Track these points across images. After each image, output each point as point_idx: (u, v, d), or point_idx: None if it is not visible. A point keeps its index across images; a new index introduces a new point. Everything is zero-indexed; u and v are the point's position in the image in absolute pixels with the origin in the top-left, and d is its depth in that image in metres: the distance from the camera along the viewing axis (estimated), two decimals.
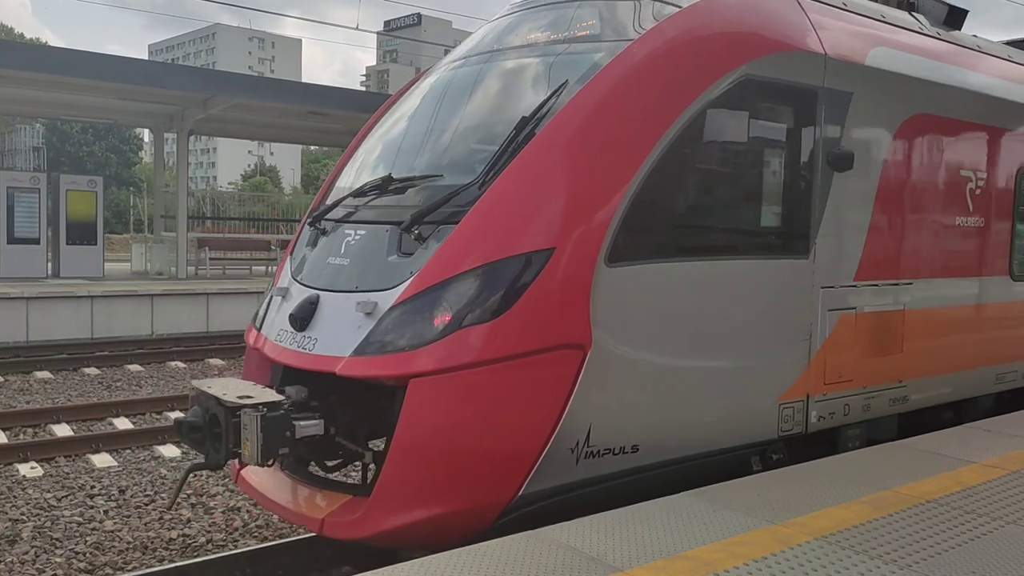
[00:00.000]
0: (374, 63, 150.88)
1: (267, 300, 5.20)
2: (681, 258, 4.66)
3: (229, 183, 74.91)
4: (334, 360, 4.27)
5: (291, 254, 5.34)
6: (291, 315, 4.61)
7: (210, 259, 21.24)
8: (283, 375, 4.75)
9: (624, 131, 4.45)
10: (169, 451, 8.12)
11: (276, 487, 4.70)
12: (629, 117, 4.48)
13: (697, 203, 4.91)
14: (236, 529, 6.24)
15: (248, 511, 6.53)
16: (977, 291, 6.61)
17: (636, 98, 4.51)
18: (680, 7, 4.81)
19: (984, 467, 4.86)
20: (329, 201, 5.31)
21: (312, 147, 76.37)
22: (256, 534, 6.15)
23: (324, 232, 5.05)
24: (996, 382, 6.85)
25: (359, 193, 5.00)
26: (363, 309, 4.28)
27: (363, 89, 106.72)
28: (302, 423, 4.21)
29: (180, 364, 13.00)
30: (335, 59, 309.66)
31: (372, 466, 4.64)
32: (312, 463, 4.83)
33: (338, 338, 4.34)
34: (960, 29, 7.13)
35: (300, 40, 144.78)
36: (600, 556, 3.41)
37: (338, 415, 4.49)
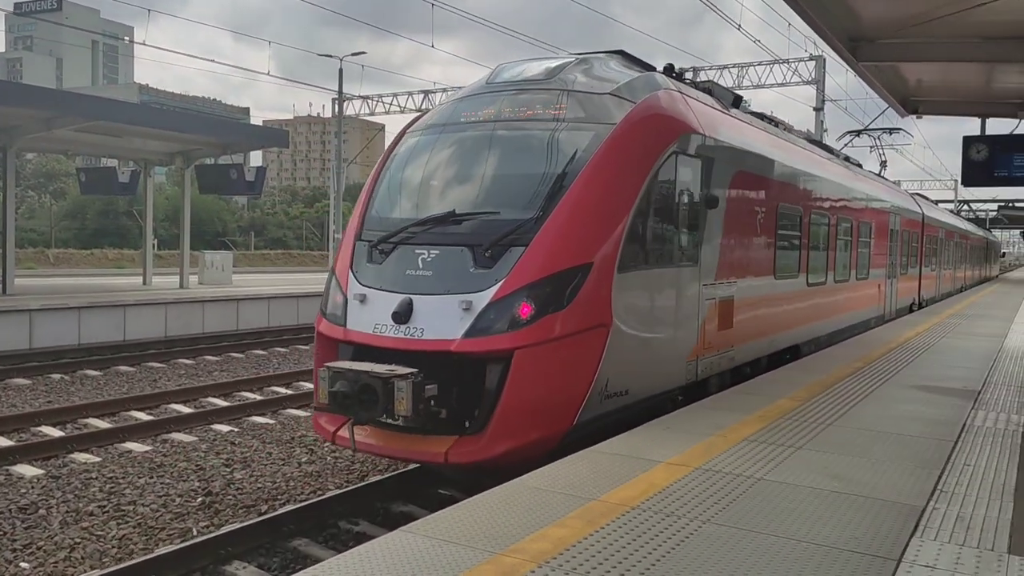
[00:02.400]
0: (2, 50, 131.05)
1: (343, 303, 6.69)
2: (647, 267, 6.96)
3: None
4: (447, 342, 6.03)
5: (351, 268, 6.83)
6: (395, 313, 6.23)
7: None
8: (354, 354, 6.49)
9: (622, 185, 6.64)
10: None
11: (384, 439, 6.37)
12: (624, 175, 6.68)
13: (653, 231, 7.08)
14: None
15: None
16: (761, 287, 9.59)
17: (627, 163, 6.72)
18: (635, 101, 7.08)
19: (670, 466, 5.14)
20: (374, 228, 6.99)
21: None
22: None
23: (388, 252, 6.68)
24: (769, 346, 10.11)
25: (421, 223, 6.65)
26: (462, 306, 6.05)
27: None
28: (428, 386, 5.91)
29: None
30: None
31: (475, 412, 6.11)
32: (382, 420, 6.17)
33: (444, 327, 6.07)
34: (739, 109, 10.25)
35: None
36: None
37: (444, 382, 6.05)
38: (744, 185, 8.96)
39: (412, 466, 7.79)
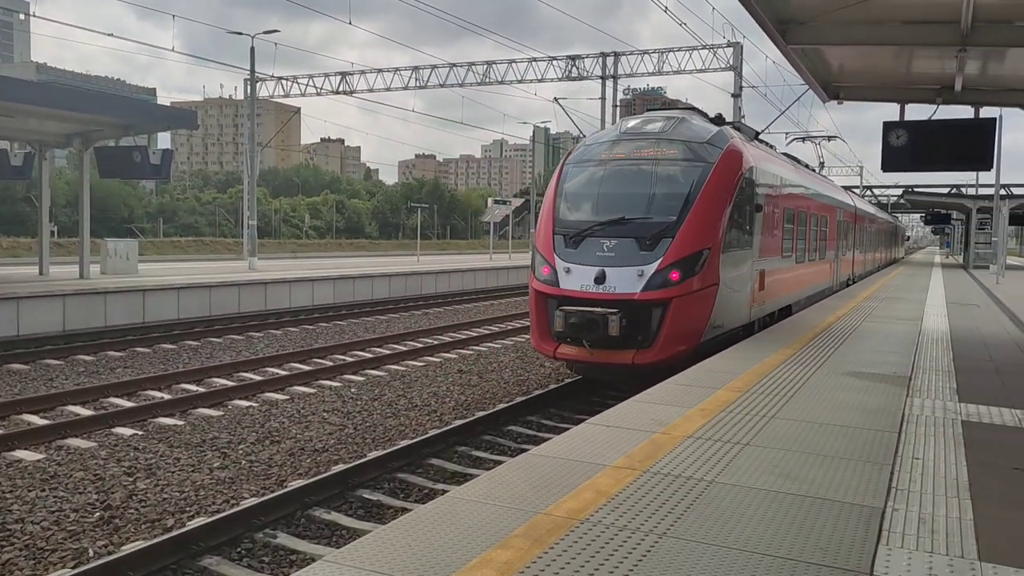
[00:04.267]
0: None
1: (552, 272, 10.22)
2: (732, 250, 10.57)
3: None
4: (631, 295, 9.66)
5: (554, 251, 10.37)
6: (595, 278, 9.83)
7: None
8: (561, 304, 9.91)
9: (721, 200, 10.30)
10: None
11: (588, 354, 9.79)
12: (722, 195, 10.34)
13: (736, 227, 10.73)
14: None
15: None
16: (783, 264, 13.95)
17: (723, 187, 10.39)
18: (722, 148, 10.77)
19: (617, 469, 4.80)
20: (565, 225, 10.57)
21: None
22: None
23: (579, 242, 10.28)
24: (777, 304, 13.88)
25: (601, 225, 10.24)
26: (637, 273, 9.70)
27: None
28: (623, 320, 9.49)
29: None
30: None
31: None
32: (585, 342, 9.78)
33: (628, 285, 9.69)
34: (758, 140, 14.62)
35: None
36: None
37: (629, 318, 9.62)
38: (769, 196, 12.71)
39: (337, 468, 7.29)
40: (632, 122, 11.65)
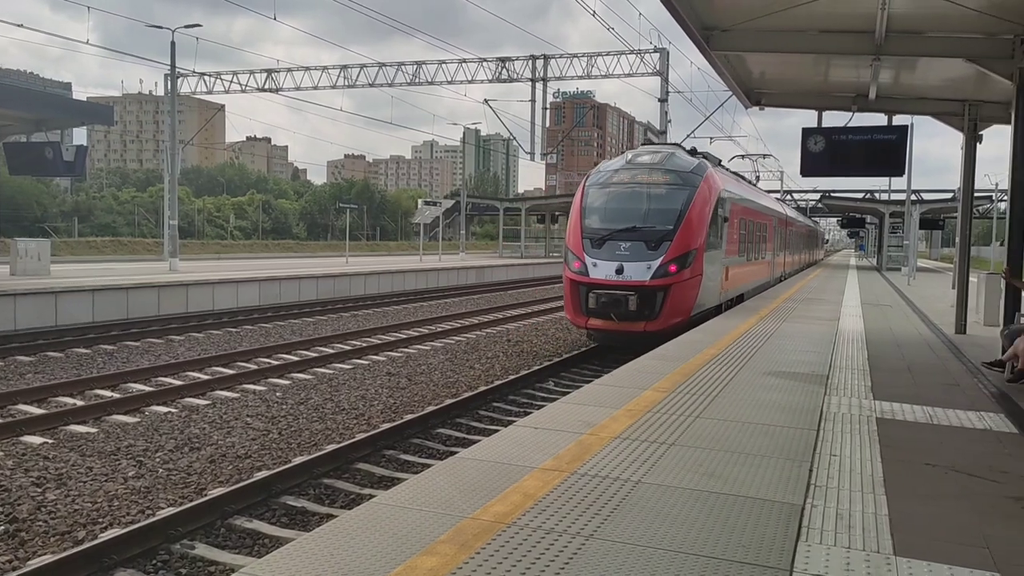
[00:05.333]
0: None
1: (582, 266, 13.79)
2: (710, 251, 14.46)
3: None
4: (643, 282, 13.36)
5: (583, 251, 13.93)
6: (616, 270, 13.47)
7: None
8: (591, 289, 13.57)
9: (703, 214, 14.14)
10: None
11: (611, 325, 13.49)
12: (704, 210, 14.17)
13: (712, 233, 14.59)
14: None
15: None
16: (740, 262, 18.01)
17: (704, 204, 14.24)
18: (702, 176, 14.71)
19: (544, 471, 4.79)
20: (590, 231, 14.18)
21: None
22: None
23: (601, 244, 13.86)
24: (735, 292, 17.81)
25: (618, 231, 13.89)
26: (646, 266, 13.44)
27: None
28: (636, 299, 13.35)
29: None
30: None
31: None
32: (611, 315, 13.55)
33: (639, 275, 13.37)
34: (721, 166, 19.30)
35: None
36: None
37: (640, 298, 13.37)
38: (732, 210, 16.62)
39: (260, 475, 7.10)
40: (632, 155, 15.86)
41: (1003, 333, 9.69)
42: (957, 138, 14.64)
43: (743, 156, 34.85)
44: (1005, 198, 18.00)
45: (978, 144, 14.15)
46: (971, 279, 14.11)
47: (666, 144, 18.37)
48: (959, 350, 11.19)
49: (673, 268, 13.48)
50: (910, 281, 28.92)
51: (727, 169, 20.06)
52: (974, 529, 4.04)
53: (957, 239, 15.42)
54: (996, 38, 10.31)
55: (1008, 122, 10.97)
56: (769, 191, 39.90)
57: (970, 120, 13.94)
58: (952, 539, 3.89)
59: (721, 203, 15.29)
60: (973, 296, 14.50)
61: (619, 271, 13.51)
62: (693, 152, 16.51)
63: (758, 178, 36.21)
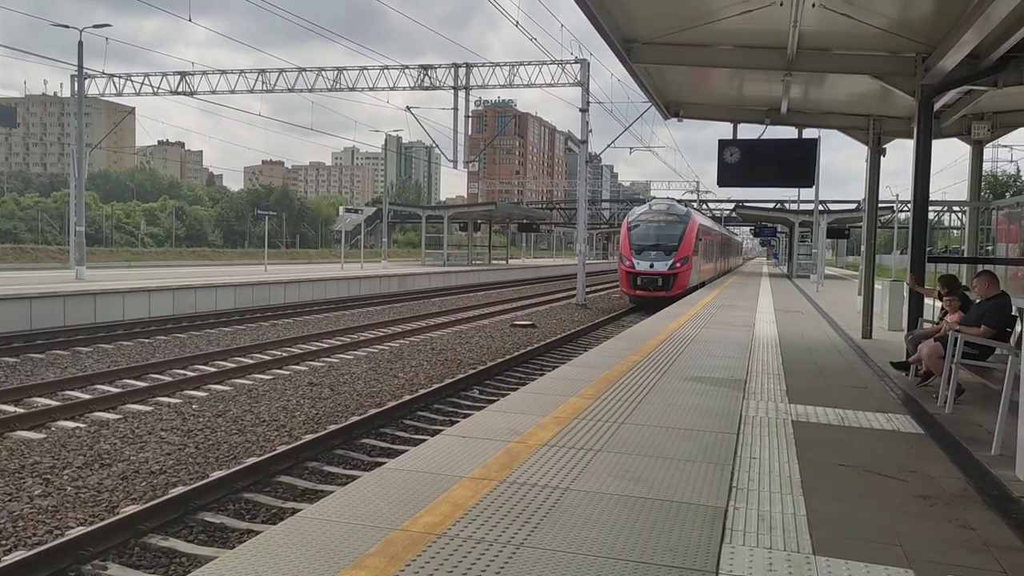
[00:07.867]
0: None
1: (631, 262, 28.88)
2: (695, 257, 30.17)
3: None
4: (664, 271, 28.35)
5: (631, 255, 28.85)
6: (650, 264, 28.35)
7: None
8: (637, 276, 28.44)
9: (692, 237, 29.50)
10: None
11: (647, 294, 28.18)
12: (692, 234, 29.61)
13: (695, 248, 30.15)
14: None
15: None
16: (705, 263, 34.79)
17: (692, 232, 29.64)
18: (690, 216, 30.83)
19: (473, 480, 4.78)
20: (634, 245, 29.23)
21: None
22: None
23: (640, 252, 28.79)
24: (699, 280, 33.74)
25: (648, 247, 28.96)
26: (666, 264, 28.48)
27: None
28: (662, 279, 28.90)
29: None
30: None
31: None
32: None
33: (662, 267, 28.38)
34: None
35: None
36: None
37: (663, 279, 28.83)
38: (702, 234, 31.25)
39: (176, 491, 6.85)
40: (650, 205, 31.75)
41: (907, 338, 10.15)
42: (862, 151, 15.30)
43: (692, 192, 48.42)
44: (906, 209, 18.91)
45: (882, 157, 14.85)
46: (876, 286, 14.75)
47: (668, 199, 35.79)
48: (866, 354, 11.68)
49: (679, 264, 27.99)
50: (819, 288, 30.08)
51: (699, 211, 41.31)
52: (887, 527, 4.21)
53: (863, 248, 16.10)
54: (899, 56, 10.84)
55: (910, 136, 11.52)
56: (685, 201, 45.37)
57: (874, 134, 14.61)
58: (867, 537, 4.05)
59: (698, 231, 30.22)
60: (878, 302, 15.15)
61: (651, 265, 27.94)
62: (684, 202, 34.46)
63: (701, 202, 52.06)
